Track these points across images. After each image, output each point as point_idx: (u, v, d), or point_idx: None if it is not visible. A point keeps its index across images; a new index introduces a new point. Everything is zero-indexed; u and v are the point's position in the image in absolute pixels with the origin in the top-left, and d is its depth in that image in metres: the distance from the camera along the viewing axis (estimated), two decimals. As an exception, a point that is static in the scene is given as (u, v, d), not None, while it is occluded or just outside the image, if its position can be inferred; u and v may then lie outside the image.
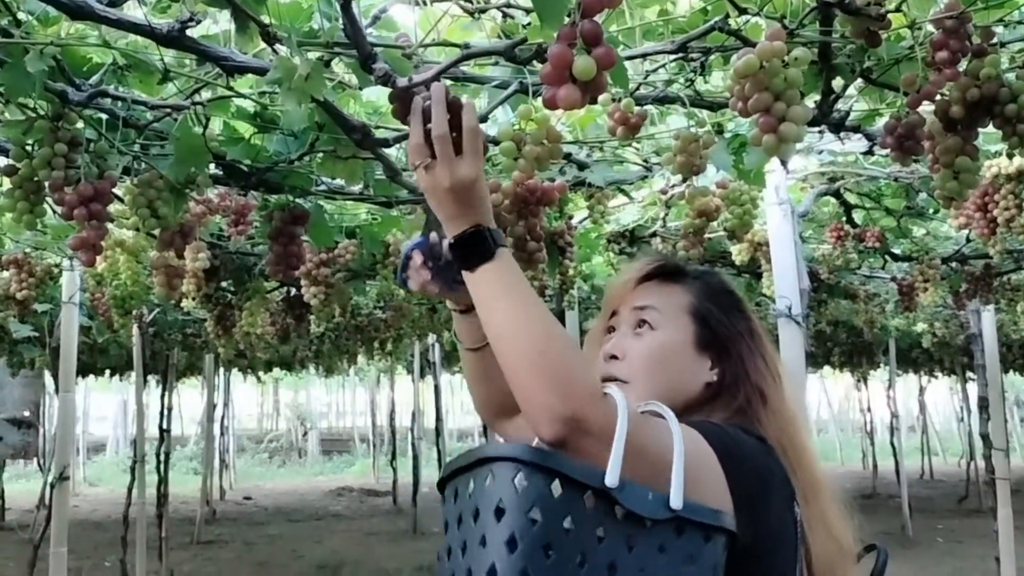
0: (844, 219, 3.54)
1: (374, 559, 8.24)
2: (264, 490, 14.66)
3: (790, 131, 1.26)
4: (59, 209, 1.77)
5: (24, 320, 4.44)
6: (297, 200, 2.16)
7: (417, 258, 1.29)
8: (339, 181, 2.20)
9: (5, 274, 3.31)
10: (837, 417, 21.40)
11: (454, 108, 1.09)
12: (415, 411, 9.82)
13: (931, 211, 3.44)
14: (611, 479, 0.92)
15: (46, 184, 1.71)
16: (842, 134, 2.42)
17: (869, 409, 11.69)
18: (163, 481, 7.24)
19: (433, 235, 1.30)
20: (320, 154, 1.90)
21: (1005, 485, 4.70)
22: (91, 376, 11.85)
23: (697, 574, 0.96)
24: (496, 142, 1.53)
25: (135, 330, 5.65)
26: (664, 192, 2.70)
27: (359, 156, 1.81)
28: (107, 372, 11.03)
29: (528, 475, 0.93)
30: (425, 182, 1.09)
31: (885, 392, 10.11)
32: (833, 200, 3.53)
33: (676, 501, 0.95)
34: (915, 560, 7.70)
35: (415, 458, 9.40)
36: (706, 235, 2.49)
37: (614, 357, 1.24)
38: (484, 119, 1.56)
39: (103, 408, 22.42)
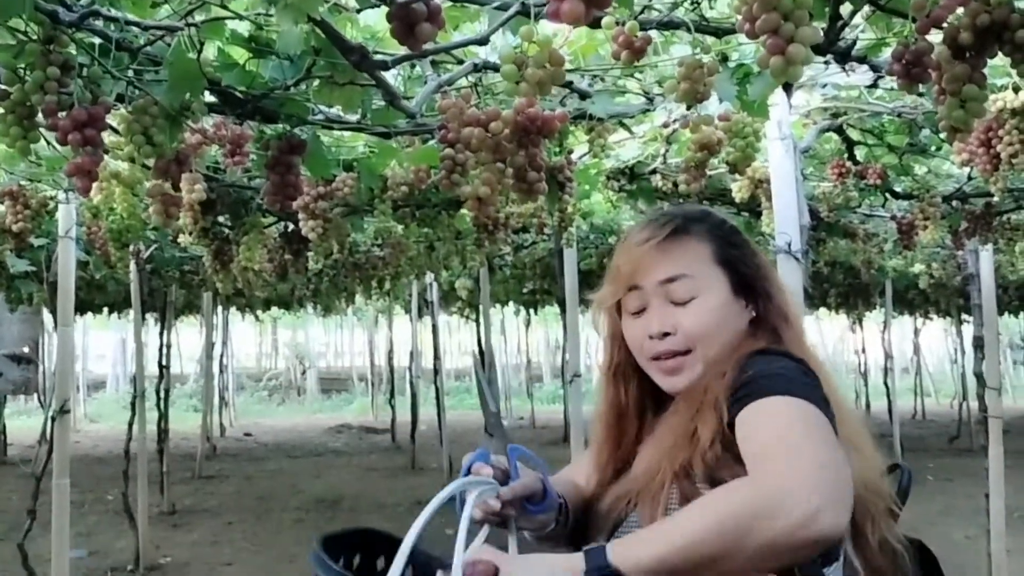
0: (846, 156, 3.51)
1: (372, 494, 8.37)
2: (264, 427, 14.82)
3: (798, 53, 1.23)
4: (53, 137, 1.74)
5: (21, 255, 4.42)
6: (294, 130, 2.13)
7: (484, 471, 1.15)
8: (336, 110, 2.17)
9: (0, 207, 3.28)
10: (832, 358, 21.57)
11: None
12: (413, 351, 9.87)
13: (933, 148, 3.41)
14: None
15: (39, 109, 1.69)
16: (847, 66, 2.39)
17: (864, 350, 11.77)
18: (163, 417, 7.32)
19: (495, 443, 1.20)
20: (316, 81, 1.87)
21: (997, 423, 4.75)
22: (89, 314, 11.88)
23: None
24: (497, 68, 1.50)
25: (132, 267, 5.64)
26: (666, 126, 2.67)
27: (356, 82, 1.78)
28: (105, 310, 11.05)
29: None
30: None
31: (880, 333, 10.17)
32: (835, 136, 3.50)
33: None
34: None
35: (413, 396, 9.49)
36: (707, 170, 2.46)
37: (667, 334, 1.26)
38: (485, 41, 1.53)
39: (102, 346, 22.54)
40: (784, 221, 2.94)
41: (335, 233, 3.65)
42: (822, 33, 1.73)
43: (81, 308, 10.75)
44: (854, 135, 3.44)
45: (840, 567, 1.14)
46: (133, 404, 6.09)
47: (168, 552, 6.33)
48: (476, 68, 1.82)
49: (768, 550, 0.96)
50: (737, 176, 3.31)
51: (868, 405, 11.92)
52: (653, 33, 1.93)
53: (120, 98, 1.93)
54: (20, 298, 5.80)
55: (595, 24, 1.54)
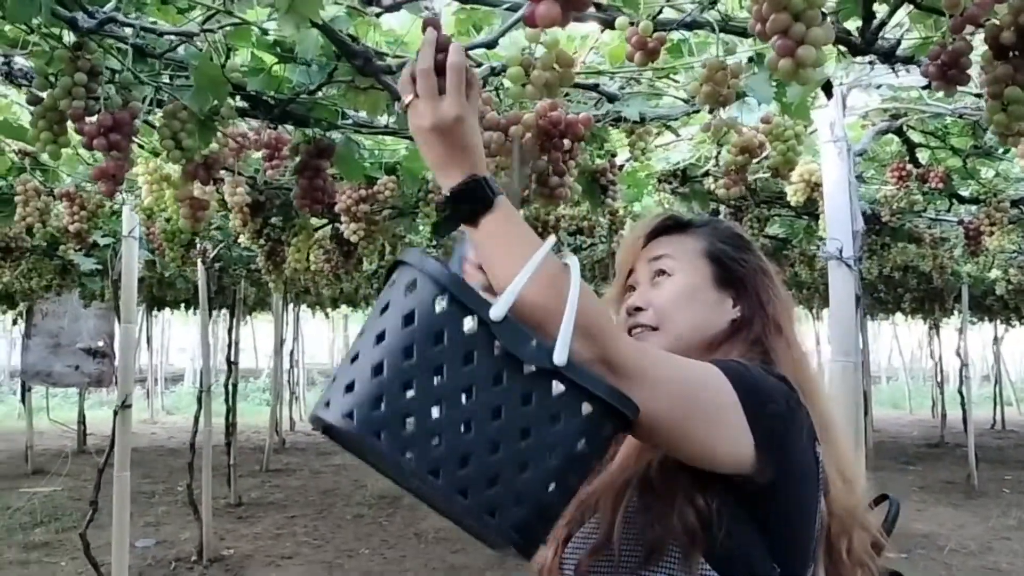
0: (907, 158, 3.37)
1: (433, 492, 8.40)
2: (332, 422, 15.03)
3: (808, 55, 1.17)
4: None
5: (88, 253, 4.58)
6: (325, 133, 2.14)
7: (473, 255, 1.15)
8: (365, 114, 2.16)
9: (61, 207, 3.39)
10: (909, 365, 20.89)
11: (443, 47, 1.03)
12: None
13: (1000, 151, 3.25)
14: (496, 312, 0.90)
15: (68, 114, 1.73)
16: (900, 67, 2.29)
17: (941, 357, 11.35)
18: (231, 411, 7.49)
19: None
20: (342, 85, 1.87)
21: (1076, 438, 4.52)
22: (168, 309, 12.26)
23: (559, 436, 0.91)
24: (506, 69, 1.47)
25: (200, 264, 5.78)
26: (706, 129, 2.59)
27: (377, 87, 1.77)
28: (182, 305, 11.39)
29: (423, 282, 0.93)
30: (411, 122, 1.02)
31: (957, 340, 9.77)
32: (896, 139, 3.37)
33: (560, 357, 0.91)
34: (979, 511, 7.52)
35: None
36: (747, 174, 2.38)
37: (639, 309, 1.27)
38: (494, 44, 1.51)
39: (183, 340, 23.25)
40: (835, 226, 2.83)
41: (383, 235, 3.67)
42: (857, 34, 1.66)
43: (157, 303, 11.11)
44: (916, 137, 3.30)
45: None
46: (199, 398, 6.24)
47: (232, 544, 6.47)
48: (493, 72, 1.79)
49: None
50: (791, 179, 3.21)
51: (944, 414, 11.48)
52: (687, 34, 1.88)
53: (160, 103, 1.97)
54: (92, 295, 6.00)
55: (613, 25, 1.49)
